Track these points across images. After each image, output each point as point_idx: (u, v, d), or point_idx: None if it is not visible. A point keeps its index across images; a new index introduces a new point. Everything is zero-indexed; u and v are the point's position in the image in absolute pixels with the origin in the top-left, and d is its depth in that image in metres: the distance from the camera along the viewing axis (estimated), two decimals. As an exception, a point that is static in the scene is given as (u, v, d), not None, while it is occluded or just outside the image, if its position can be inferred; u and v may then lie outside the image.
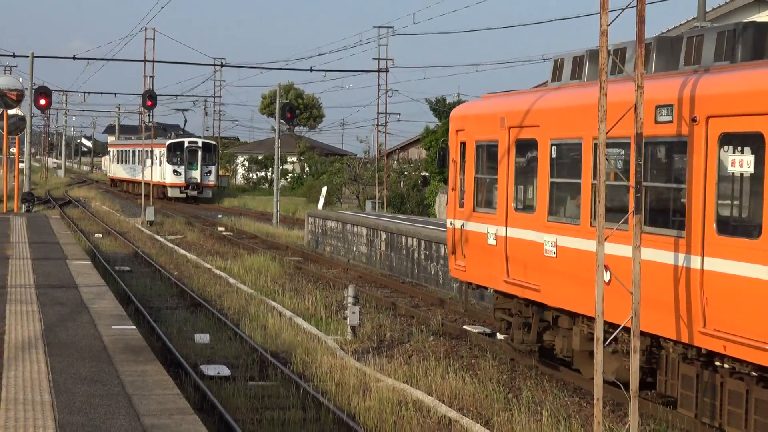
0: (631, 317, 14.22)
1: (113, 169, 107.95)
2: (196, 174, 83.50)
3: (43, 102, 57.55)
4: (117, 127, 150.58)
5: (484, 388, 18.58)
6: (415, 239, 36.78)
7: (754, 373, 14.75)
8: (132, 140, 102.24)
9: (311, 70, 69.64)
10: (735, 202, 15.17)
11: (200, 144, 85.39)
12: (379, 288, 34.21)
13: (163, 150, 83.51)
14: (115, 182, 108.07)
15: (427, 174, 68.21)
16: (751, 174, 14.45)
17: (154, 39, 75.60)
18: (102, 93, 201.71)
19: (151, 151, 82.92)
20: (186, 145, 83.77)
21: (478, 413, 17.13)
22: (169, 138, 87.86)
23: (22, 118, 57.69)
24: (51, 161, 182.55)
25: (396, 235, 39.04)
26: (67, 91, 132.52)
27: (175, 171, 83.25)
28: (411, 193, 70.14)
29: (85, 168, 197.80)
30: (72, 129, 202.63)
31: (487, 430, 15.89)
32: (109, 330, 18.60)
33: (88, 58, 71.97)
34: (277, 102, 67.65)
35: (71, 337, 17.88)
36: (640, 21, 13.87)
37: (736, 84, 14.85)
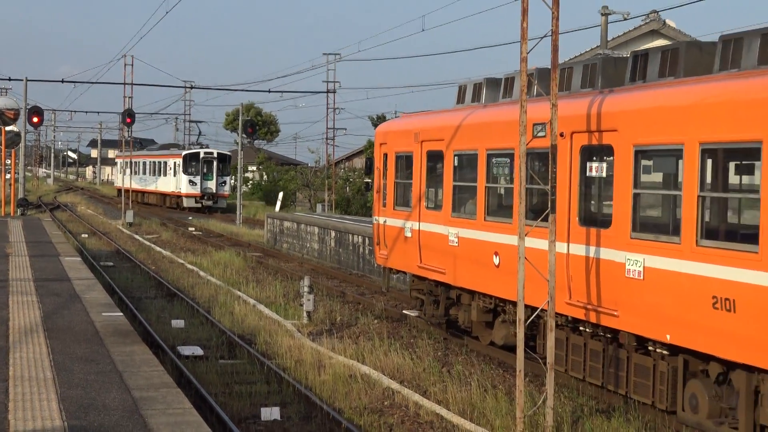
0: (548, 301, 14.42)
1: (121, 179, 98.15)
2: (212, 184, 76.15)
3: (35, 120, 57.05)
4: (99, 142, 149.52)
5: (421, 364, 18.71)
6: (360, 236, 36.94)
7: (608, 335, 15.74)
8: (143, 152, 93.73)
9: (269, 91, 70.33)
10: (592, 200, 16.17)
11: (215, 155, 77.72)
12: (329, 279, 34.26)
13: (179, 161, 76.47)
14: (121, 192, 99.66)
15: (369, 180, 68.26)
16: (604, 177, 15.61)
17: (132, 65, 73.87)
18: (86, 112, 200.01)
19: (165, 162, 78.96)
20: (202, 155, 76.39)
21: (417, 385, 17.23)
22: (185, 149, 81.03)
23: (18, 134, 57.18)
24: (41, 171, 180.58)
25: (343, 233, 39.17)
26: (56, 110, 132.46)
27: (190, 181, 75.58)
28: (356, 197, 70.19)
29: (71, 177, 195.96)
30: (59, 143, 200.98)
31: (424, 399, 15.99)
32: (99, 316, 18.61)
33: (75, 81, 71.74)
34: (240, 119, 67.46)
35: (67, 323, 17.88)
36: (554, 50, 14.04)
37: (593, 106, 15.69)
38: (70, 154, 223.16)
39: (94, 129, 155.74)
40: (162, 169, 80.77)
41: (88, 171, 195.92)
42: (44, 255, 30.84)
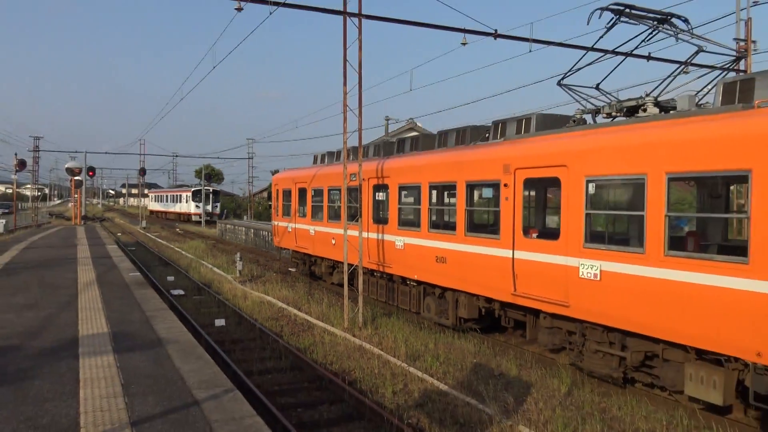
0: (359, 261, 14.76)
1: (152, 205, 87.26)
2: (209, 207, 67.66)
3: (90, 173, 54.58)
4: (126, 185, 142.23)
5: (297, 294, 18.60)
6: (266, 231, 36.52)
7: (388, 277, 15.93)
8: (165, 189, 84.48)
9: (218, 157, 68.65)
10: (380, 211, 16.06)
11: (211, 190, 69.44)
12: (250, 253, 33.62)
13: (189, 194, 68.84)
14: (152, 212, 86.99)
15: (270, 203, 67.19)
16: (384, 199, 15.62)
17: (144, 144, 71.21)
18: (120, 168, 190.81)
19: (180, 195, 72.71)
20: (202, 191, 68.20)
21: (296, 305, 17.10)
22: (192, 187, 71.95)
23: (81, 182, 54.19)
24: (94, 200, 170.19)
25: (257, 230, 38.68)
26: (102, 168, 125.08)
27: (197, 206, 67.78)
28: (264, 212, 69.08)
29: (111, 203, 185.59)
30: (104, 185, 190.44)
31: (299, 312, 15.97)
32: (128, 275, 18.01)
33: (113, 153, 68.71)
34: (202, 173, 65.80)
35: (110, 279, 17.24)
36: (360, 138, 14.25)
37: (379, 166, 15.78)
38: (110, 191, 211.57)
39: (123, 177, 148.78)
40: (178, 198, 74.27)
41: (121, 201, 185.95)
42: (96, 244, 29.49)
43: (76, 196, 56.80)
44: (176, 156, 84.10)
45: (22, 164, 49.99)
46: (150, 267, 26.68)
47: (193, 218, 69.64)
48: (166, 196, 79.10)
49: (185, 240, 42.47)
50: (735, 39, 18.18)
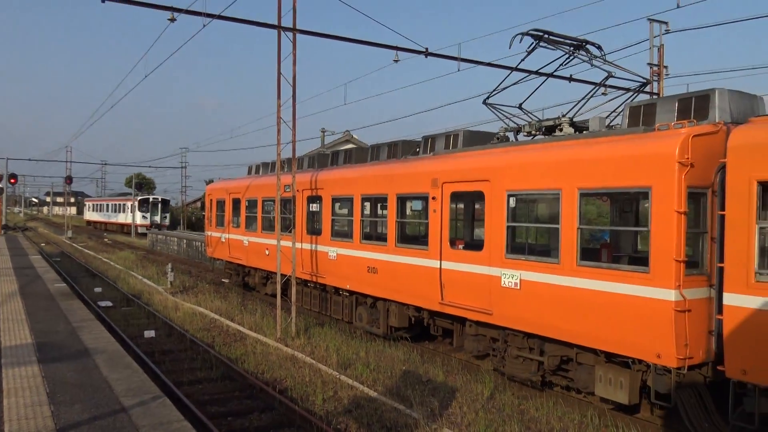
0: (292, 271, 14.89)
1: (89, 214, 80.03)
2: (157, 218, 62.17)
3: (12, 181, 52.13)
4: (51, 192, 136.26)
5: (230, 305, 18.48)
6: (199, 242, 36.02)
7: (321, 287, 16.06)
8: (105, 198, 76.88)
9: (150, 166, 66.99)
10: (314, 222, 16.14)
11: (159, 199, 63.61)
12: (182, 264, 33.04)
13: (135, 203, 62.73)
14: (90, 223, 78.93)
15: (203, 213, 65.69)
16: (318, 211, 15.70)
17: (71, 151, 68.18)
18: (44, 176, 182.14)
19: (124, 204, 66.40)
20: (150, 200, 62.64)
21: (228, 315, 17.01)
22: (137, 196, 65.26)
23: (1, 189, 51.80)
24: (16, 209, 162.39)
25: (190, 240, 38.10)
26: (25, 175, 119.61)
27: (143, 216, 61.83)
28: (198, 222, 67.93)
29: (34, 212, 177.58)
30: (27, 193, 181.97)
31: (232, 322, 15.94)
32: (53, 286, 17.51)
33: (38, 160, 65.83)
34: (133, 182, 64.10)
35: (34, 290, 16.72)
36: (293, 150, 14.42)
37: (313, 177, 15.92)
38: (33, 199, 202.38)
39: (48, 185, 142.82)
40: (122, 208, 67.97)
41: (45, 209, 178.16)
42: (19, 255, 28.40)
43: (-4, 204, 54.27)
44: (105, 164, 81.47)
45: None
46: (76, 278, 25.88)
47: (140, 230, 64.28)
48: (107, 205, 73.36)
49: (114, 250, 41.26)
50: (649, 64, 19.51)
